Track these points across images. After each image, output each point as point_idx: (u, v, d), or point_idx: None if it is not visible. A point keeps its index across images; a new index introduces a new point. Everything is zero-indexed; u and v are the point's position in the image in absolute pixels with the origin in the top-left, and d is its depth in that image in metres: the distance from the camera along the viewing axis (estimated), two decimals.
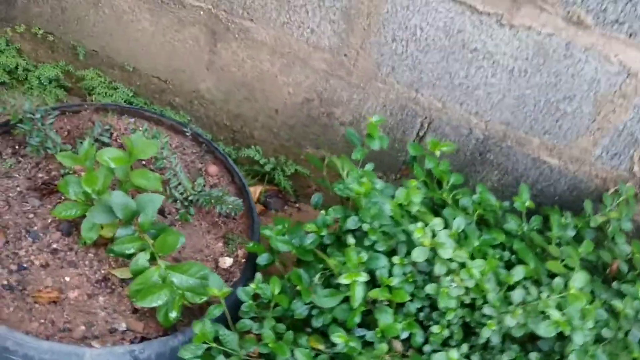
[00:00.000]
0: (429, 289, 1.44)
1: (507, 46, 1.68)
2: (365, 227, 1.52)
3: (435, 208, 1.75)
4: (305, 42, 1.90)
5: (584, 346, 1.41)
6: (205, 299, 1.68)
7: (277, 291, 1.61)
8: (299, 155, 2.19)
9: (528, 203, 1.75)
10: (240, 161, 2.27)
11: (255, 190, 2.24)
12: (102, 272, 1.81)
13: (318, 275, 1.63)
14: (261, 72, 2.03)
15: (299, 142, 2.16)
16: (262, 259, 1.72)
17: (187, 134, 2.08)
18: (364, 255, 1.47)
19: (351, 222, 1.55)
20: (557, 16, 1.59)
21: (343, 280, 1.39)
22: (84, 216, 1.77)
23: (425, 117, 1.92)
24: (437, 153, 1.78)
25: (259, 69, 2.02)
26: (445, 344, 1.52)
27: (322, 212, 1.68)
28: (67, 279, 1.77)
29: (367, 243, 1.52)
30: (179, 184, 1.97)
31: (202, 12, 1.97)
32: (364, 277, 1.40)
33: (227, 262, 1.92)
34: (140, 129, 1.97)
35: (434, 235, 1.47)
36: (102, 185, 1.74)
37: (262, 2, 1.86)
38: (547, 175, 1.89)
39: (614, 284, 1.60)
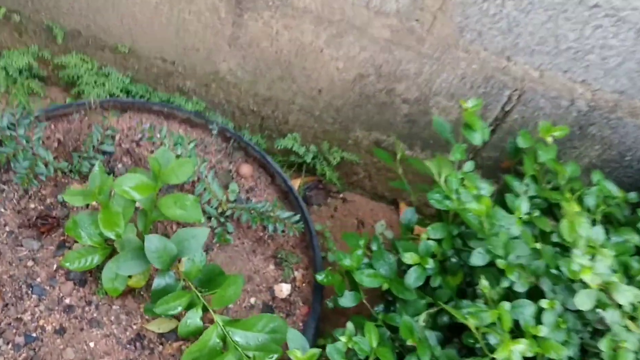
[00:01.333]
0: (603, 345, 1.09)
1: None
2: (501, 263, 1.15)
3: (551, 210, 1.40)
4: (364, 7, 1.46)
5: None
6: (277, 356, 1.32)
7: (375, 343, 1.26)
8: (346, 140, 1.79)
9: None
10: (270, 150, 1.85)
11: (294, 185, 1.83)
12: (134, 327, 1.42)
13: (423, 316, 1.29)
14: (301, 45, 1.58)
15: (347, 125, 1.75)
16: (347, 301, 1.35)
17: (214, 131, 1.64)
18: (507, 305, 1.11)
19: (478, 257, 1.17)
20: None
21: (499, 355, 1.03)
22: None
23: (516, 89, 1.53)
24: (549, 140, 1.41)
25: (298, 42, 1.57)
26: None
27: (423, 235, 1.30)
28: (92, 344, 1.38)
29: (504, 284, 1.15)
30: (212, 197, 1.56)
31: None
32: (522, 346, 1.04)
33: (284, 289, 1.55)
34: (158, 135, 1.52)
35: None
36: (124, 224, 1.32)
37: None
38: None
39: None
